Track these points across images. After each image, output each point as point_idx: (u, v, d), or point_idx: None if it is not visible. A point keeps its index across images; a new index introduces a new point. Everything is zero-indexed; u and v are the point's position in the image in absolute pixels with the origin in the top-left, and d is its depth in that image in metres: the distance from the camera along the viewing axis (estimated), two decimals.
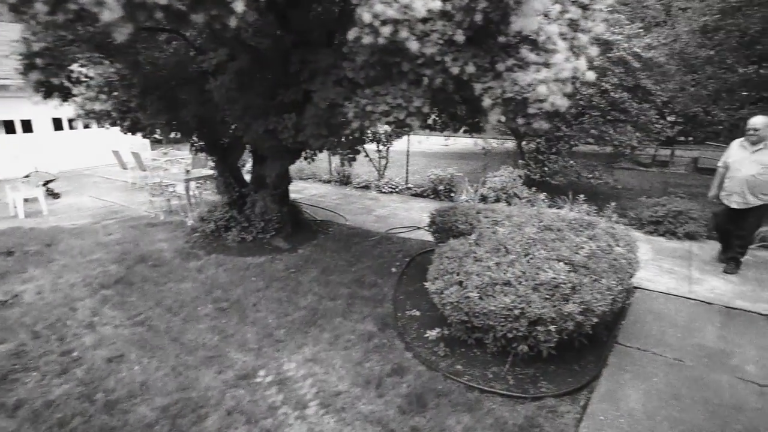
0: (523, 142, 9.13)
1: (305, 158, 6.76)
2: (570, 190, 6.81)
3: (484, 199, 8.26)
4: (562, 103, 2.89)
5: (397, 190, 10.32)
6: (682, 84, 7.91)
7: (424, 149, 17.36)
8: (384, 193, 10.30)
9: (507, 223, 4.48)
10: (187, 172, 8.87)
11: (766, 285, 5.09)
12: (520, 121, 2.94)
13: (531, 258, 3.66)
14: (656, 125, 7.50)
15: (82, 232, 7.11)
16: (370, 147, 10.90)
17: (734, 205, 5.15)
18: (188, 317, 4.40)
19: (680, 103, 8.29)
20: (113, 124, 5.36)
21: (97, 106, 4.87)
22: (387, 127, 10.06)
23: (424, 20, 2.50)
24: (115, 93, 4.76)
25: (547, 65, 2.82)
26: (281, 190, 6.53)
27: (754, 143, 4.95)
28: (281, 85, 3.95)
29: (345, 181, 11.36)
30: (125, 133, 5.59)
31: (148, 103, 4.56)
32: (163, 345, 3.96)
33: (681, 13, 8.71)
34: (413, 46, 2.52)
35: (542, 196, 7.57)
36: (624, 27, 7.28)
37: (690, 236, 6.58)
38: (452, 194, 9.28)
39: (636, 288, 5.04)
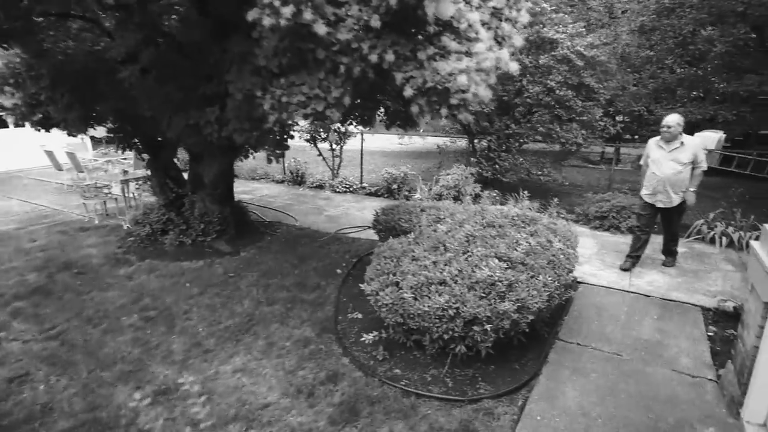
0: (476, 141, 9.13)
1: (244, 156, 6.45)
2: (521, 187, 6.82)
3: (438, 197, 8.20)
4: (485, 94, 2.79)
5: (351, 189, 10.14)
6: (623, 83, 8.16)
7: (382, 148, 17.27)
8: (338, 192, 10.08)
9: (449, 220, 4.38)
10: (125, 172, 8.33)
11: (702, 276, 5.24)
12: (444, 111, 2.81)
13: (469, 256, 3.56)
14: (600, 123, 7.68)
15: (3, 239, 6.50)
16: (324, 146, 10.70)
17: (660, 204, 5.12)
18: (109, 328, 4.04)
19: (622, 101, 8.57)
20: (23, 119, 4.88)
21: (5, 101, 4.40)
22: (338, 127, 9.87)
23: (337, 3, 2.32)
24: (24, 85, 4.30)
25: (468, 54, 2.71)
26: (222, 190, 6.20)
27: (669, 141, 4.94)
28: (203, 76, 3.67)
29: (299, 181, 11.07)
30: (37, 130, 5.11)
31: (58, 96, 4.15)
32: (77, 360, 3.60)
33: (622, 15, 9.00)
34: (321, 30, 2.33)
35: (489, 193, 7.57)
36: (567, 26, 7.39)
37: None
38: (407, 193, 9.18)
39: (579, 282, 5.08)
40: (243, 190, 10.34)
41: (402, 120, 4.70)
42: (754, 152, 10.37)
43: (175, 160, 6.94)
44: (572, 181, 9.62)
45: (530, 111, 8.03)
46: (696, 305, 4.53)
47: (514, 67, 2.90)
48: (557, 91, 7.33)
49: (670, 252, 5.56)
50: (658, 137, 5.13)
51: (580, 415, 3.02)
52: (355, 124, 6.21)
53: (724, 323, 4.17)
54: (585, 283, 5.07)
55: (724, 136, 11.37)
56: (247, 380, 3.38)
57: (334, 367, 3.54)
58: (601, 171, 11.59)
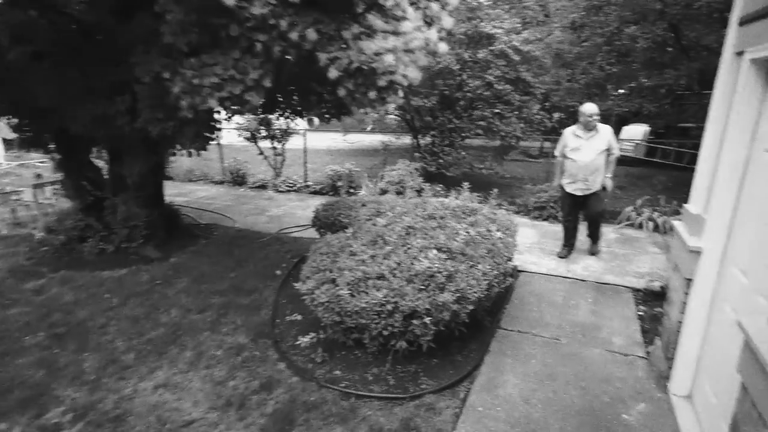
0: (419, 136, 9.13)
1: (172, 153, 6.02)
2: (464, 181, 6.86)
3: (383, 193, 8.10)
4: (415, 76, 2.68)
5: (295, 188, 9.83)
6: (558, 78, 8.49)
7: (328, 147, 16.99)
8: (281, 192, 9.74)
9: (390, 213, 4.26)
10: (38, 176, 7.55)
11: (632, 260, 5.48)
12: (372, 94, 2.68)
13: (409, 248, 3.45)
14: (537, 116, 7.91)
15: None
16: (265, 145, 10.30)
17: (579, 193, 5.16)
18: (8, 351, 3.56)
19: (558, 96, 8.92)
20: None
21: None
22: (281, 121, 9.53)
23: None
24: None
25: (396, 34, 2.60)
26: (149, 192, 5.73)
27: (589, 129, 5.01)
28: (111, 61, 3.30)
29: (239, 181, 10.60)
30: None
31: None
32: None
33: (555, 12, 9.36)
34: (229, 0, 2.11)
35: (433, 187, 7.57)
36: (504, 21, 7.54)
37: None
38: (352, 190, 9.02)
39: (521, 271, 5.14)
40: (178, 192, 9.73)
41: (335, 108, 4.47)
42: (675, 144, 11.18)
43: (99, 159, 6.36)
44: (514, 175, 9.87)
45: (471, 105, 8.12)
46: (627, 287, 4.71)
47: (443, 48, 2.82)
48: (496, 86, 7.45)
49: (593, 238, 5.62)
50: (573, 127, 5.19)
51: (521, 402, 2.99)
52: (287, 114, 5.93)
53: (652, 302, 4.35)
54: (526, 271, 5.14)
55: (649, 129, 12.19)
56: (170, 396, 3.07)
57: (269, 373, 3.30)
58: (540, 164, 12.00)
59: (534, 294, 4.58)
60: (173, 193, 9.50)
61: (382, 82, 2.58)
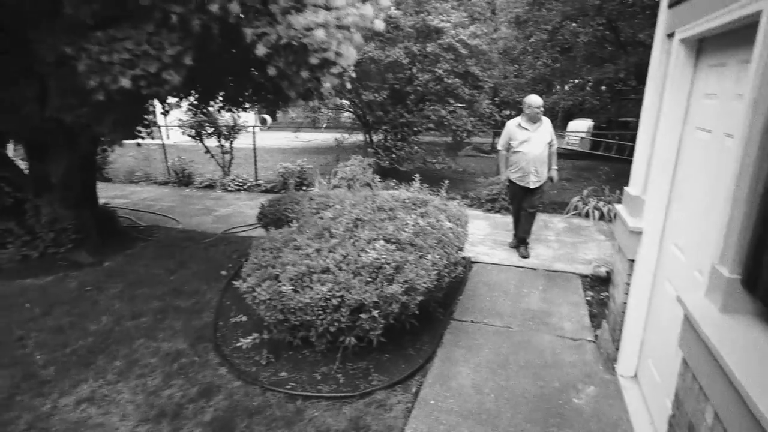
0: (372, 132, 9.02)
1: (105, 149, 5.59)
2: (418, 176, 6.83)
3: (336, 189, 7.94)
4: (350, 54, 2.56)
5: (245, 187, 9.47)
6: (505, 72, 8.65)
7: (282, 146, 16.58)
8: (230, 191, 9.35)
9: (338, 206, 4.11)
10: None
11: (579, 247, 5.61)
12: (305, 74, 2.52)
13: (356, 240, 3.31)
14: (486, 110, 8.01)
15: None
16: (212, 143, 9.85)
17: (532, 185, 5.08)
18: None
19: (506, 90, 9.10)
20: None
21: None
22: (228, 117, 9.15)
23: None
24: None
25: (327, 8, 2.46)
26: (77, 192, 5.27)
27: (535, 122, 4.99)
28: (16, 41, 2.94)
29: (185, 181, 10.08)
30: None
31: None
32: None
33: (501, 12, 9.55)
34: None
35: (387, 182, 7.49)
36: (451, 15, 7.56)
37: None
38: (304, 188, 8.77)
39: (474, 262, 5.14)
40: (117, 194, 9.14)
41: (271, 95, 4.20)
42: (617, 137, 11.71)
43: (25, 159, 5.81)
44: (466, 169, 9.96)
45: (422, 99, 8.09)
46: (576, 273, 4.80)
47: (380, 26, 2.71)
48: (446, 79, 7.46)
49: (524, 239, 5.43)
50: (517, 119, 5.14)
51: (473, 393, 2.93)
52: (227, 107, 5.64)
53: (599, 287, 4.45)
54: (479, 262, 5.14)
55: (593, 123, 12.71)
56: (95, 411, 2.77)
57: (209, 379, 3.07)
58: (492, 159, 12.22)
59: (487, 284, 4.57)
60: (112, 195, 8.94)
61: (314, 59, 2.42)
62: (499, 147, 5.37)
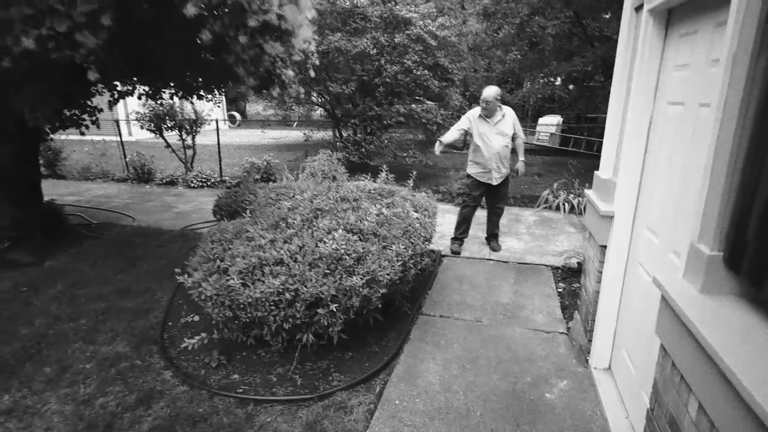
0: (341, 126, 8.77)
1: (45, 139, 5.16)
2: (385, 166, 6.63)
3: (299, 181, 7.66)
4: (294, 17, 2.33)
5: (209, 183, 9.05)
6: (475, 65, 8.57)
7: (253, 143, 16.10)
8: (193, 187, 8.92)
9: (298, 197, 3.85)
10: None
11: (550, 240, 5.53)
12: (243, 39, 2.26)
13: (315, 230, 3.07)
14: (456, 102, 7.89)
15: None
16: (175, 139, 9.40)
17: (495, 182, 4.81)
18: None
19: (476, 84, 9.04)
20: None
21: None
22: (189, 110, 8.74)
23: None
24: None
25: None
26: (19, 188, 4.83)
27: (488, 116, 4.66)
28: None
29: (145, 178, 9.57)
30: None
31: None
32: None
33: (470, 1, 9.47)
34: None
35: (353, 176, 7.27)
36: (419, 5, 7.40)
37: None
38: (271, 182, 8.44)
39: (444, 256, 4.97)
40: (71, 191, 8.61)
41: (218, 73, 3.81)
42: (585, 133, 11.85)
43: None
44: (438, 164, 9.83)
45: (392, 92, 7.90)
46: (547, 265, 4.70)
47: None
48: (414, 71, 7.28)
49: (495, 234, 5.23)
50: (476, 110, 4.77)
51: (441, 390, 2.74)
52: (180, 93, 5.29)
53: (570, 279, 4.35)
54: (449, 255, 4.98)
55: (562, 119, 12.83)
56: (16, 425, 2.44)
57: (150, 385, 2.77)
58: (465, 154, 12.17)
59: (457, 278, 4.41)
60: (64, 192, 8.43)
61: (252, 22, 2.16)
62: (443, 138, 4.75)
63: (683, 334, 1.42)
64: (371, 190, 4.20)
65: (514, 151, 4.93)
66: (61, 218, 5.92)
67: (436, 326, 3.51)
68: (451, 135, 4.76)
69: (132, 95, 5.49)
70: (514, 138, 4.83)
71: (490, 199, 5.06)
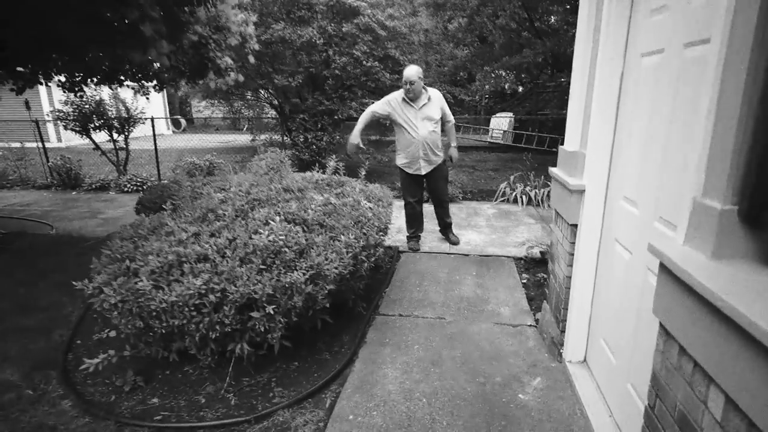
0: (289, 122, 8.28)
1: None
2: (334, 156, 6.23)
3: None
4: None
5: (144, 187, 8.25)
6: (426, 58, 8.40)
7: (203, 146, 15.19)
8: (126, 192, 8.13)
9: (234, 189, 3.38)
10: None
11: (510, 231, 5.33)
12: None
13: (251, 221, 2.63)
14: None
15: None
16: (102, 139, 8.55)
17: (423, 171, 4.40)
18: None
19: (429, 79, 8.87)
20: None
21: None
22: (120, 107, 7.96)
23: None
24: None
25: None
26: None
27: (413, 99, 4.22)
28: None
29: (72, 183, 8.65)
30: None
31: None
32: None
33: None
34: None
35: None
36: None
37: (450, 199, 6.73)
38: None
39: (402, 252, 4.63)
40: None
41: (124, 40, 3.20)
42: (537, 129, 11.98)
43: None
44: (394, 162, 9.55)
45: (342, 85, 7.52)
46: (509, 257, 4.46)
47: None
48: (365, 62, 6.95)
49: (447, 225, 4.88)
50: (399, 93, 4.29)
51: (402, 399, 2.36)
52: (96, 79, 4.68)
53: (534, 269, 4.13)
54: (407, 252, 4.64)
55: (514, 117, 12.95)
56: None
57: (42, 419, 2.22)
58: None
59: (416, 273, 4.07)
60: None
61: None
62: (370, 108, 4.37)
63: (697, 310, 1.12)
64: (319, 180, 3.80)
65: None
66: None
67: (395, 326, 3.14)
68: (360, 125, 4.30)
69: (41, 83, 4.79)
70: (443, 122, 4.46)
71: (430, 190, 4.67)
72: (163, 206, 3.55)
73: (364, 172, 4.25)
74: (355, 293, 3.09)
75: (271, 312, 2.18)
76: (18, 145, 9.80)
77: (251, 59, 4.92)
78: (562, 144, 2.70)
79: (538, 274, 3.97)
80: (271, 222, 2.50)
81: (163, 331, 2.17)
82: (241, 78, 5.01)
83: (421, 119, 4.27)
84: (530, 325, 3.10)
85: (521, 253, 4.47)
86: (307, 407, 2.33)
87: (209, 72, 4.65)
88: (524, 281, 3.88)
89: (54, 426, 2.17)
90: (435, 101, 4.35)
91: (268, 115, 11.56)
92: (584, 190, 2.33)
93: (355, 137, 4.29)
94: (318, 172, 4.28)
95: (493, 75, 11.53)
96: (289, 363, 2.67)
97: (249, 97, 9.43)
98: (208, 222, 2.63)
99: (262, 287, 2.15)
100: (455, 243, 4.83)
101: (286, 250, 2.36)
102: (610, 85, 2.17)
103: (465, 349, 2.84)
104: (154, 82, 4.85)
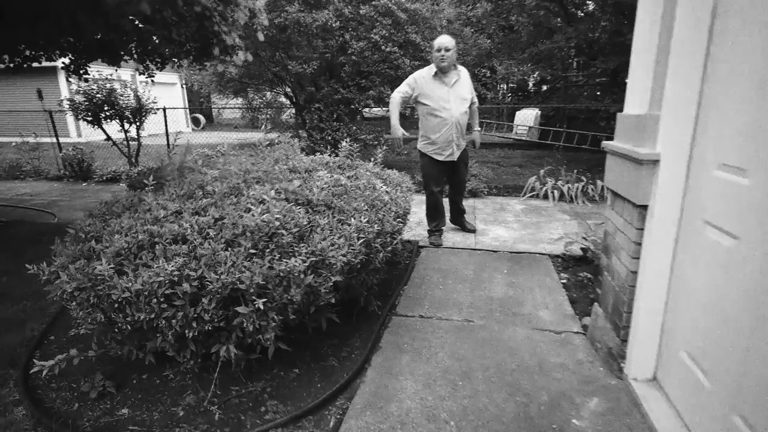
0: (304, 112, 7.91)
1: None
2: (347, 138, 5.82)
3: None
4: None
5: None
6: None
7: (217, 142, 15.02)
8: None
9: (234, 169, 2.98)
10: None
11: (543, 227, 4.80)
12: None
13: (245, 198, 2.21)
14: None
15: None
16: (118, 135, 8.35)
17: (452, 158, 3.98)
18: None
19: None
20: None
21: None
22: (129, 94, 7.71)
23: None
24: None
25: None
26: None
27: (447, 72, 3.77)
28: None
29: (83, 175, 8.48)
30: None
31: None
32: None
33: None
34: None
35: None
36: None
37: (473, 193, 6.26)
38: None
39: (422, 247, 4.16)
40: None
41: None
42: (565, 125, 11.35)
43: None
44: (413, 156, 9.08)
45: (360, 72, 7.11)
46: (543, 254, 3.94)
47: None
48: (383, 47, 6.51)
49: (462, 212, 4.51)
50: (429, 69, 3.86)
51: (424, 421, 1.90)
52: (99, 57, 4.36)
53: (574, 268, 3.61)
54: (428, 246, 4.17)
55: (540, 113, 12.33)
56: None
57: None
58: None
59: (439, 270, 3.60)
60: None
61: None
62: (397, 93, 3.92)
63: None
64: (330, 162, 3.38)
65: None
66: None
67: (414, 329, 2.67)
68: (395, 114, 3.89)
69: (39, 61, 4.50)
70: (470, 103, 4.00)
71: (454, 178, 4.22)
72: (145, 182, 3.17)
73: (380, 155, 3.79)
74: (368, 289, 2.63)
75: (261, 307, 1.74)
76: (35, 138, 9.75)
77: (260, 36, 4.53)
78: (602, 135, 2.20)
79: (579, 273, 3.45)
80: (265, 197, 2.07)
81: (129, 327, 1.75)
82: (250, 57, 4.63)
83: (455, 98, 3.84)
84: (577, 332, 2.60)
85: (558, 250, 3.95)
86: (306, 426, 1.89)
87: (215, 49, 4.28)
88: (563, 281, 3.36)
89: None
90: (465, 79, 3.96)
91: (284, 106, 11.23)
92: (658, 161, 1.83)
93: (396, 129, 3.91)
94: (329, 153, 3.86)
95: (517, 69, 10.97)
96: (288, 370, 2.23)
97: (262, 87, 9.10)
98: (195, 199, 2.22)
99: (250, 276, 1.71)
100: (473, 230, 4.48)
101: (283, 232, 1.93)
102: (698, 19, 1.67)
103: (499, 358, 2.36)
104: (156, 58, 4.50)
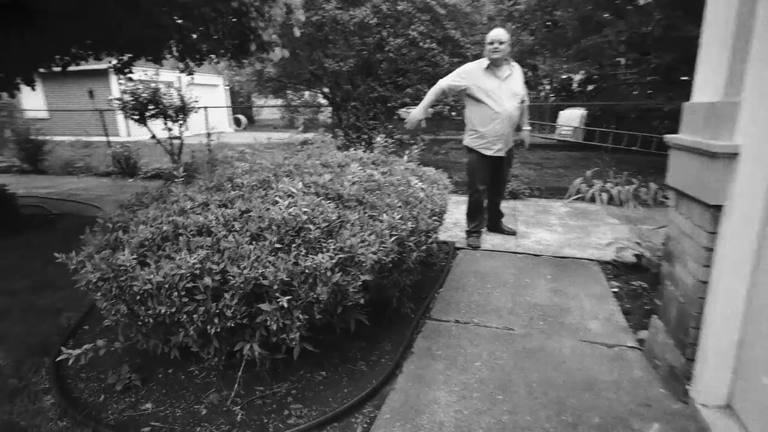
0: (341, 111, 7.88)
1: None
2: (383, 132, 5.71)
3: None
4: None
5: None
6: None
7: (253, 142, 15.36)
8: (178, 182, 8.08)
9: (265, 163, 2.92)
10: None
11: (590, 231, 4.49)
12: None
13: (273, 192, 2.12)
14: None
15: None
16: (158, 130, 8.64)
17: (501, 153, 3.82)
18: None
19: None
20: None
21: None
22: (173, 94, 7.93)
23: None
24: None
25: None
26: None
27: (500, 65, 3.64)
28: None
29: (130, 172, 8.82)
30: None
31: None
32: None
33: None
34: None
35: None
36: None
37: (514, 195, 6.00)
38: None
39: (459, 248, 3.98)
40: (47, 185, 8.02)
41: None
42: (613, 126, 10.77)
43: None
44: (451, 157, 8.88)
45: (396, 70, 6.99)
46: (592, 260, 3.66)
47: None
48: (421, 44, 6.36)
49: (501, 216, 4.34)
50: (480, 62, 3.72)
51: None
52: (113, 57, 4.46)
53: (626, 276, 3.31)
54: (465, 248, 3.98)
55: (586, 112, 11.78)
56: None
57: (12, 417, 1.82)
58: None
59: (477, 273, 3.40)
60: (39, 185, 7.81)
61: None
62: (441, 81, 3.82)
63: None
64: (364, 158, 3.26)
65: None
66: (9, 206, 5.11)
67: (450, 335, 2.50)
68: (427, 99, 3.78)
69: (86, 59, 4.66)
70: (522, 99, 3.84)
71: (497, 177, 4.02)
72: (175, 173, 3.16)
73: (416, 150, 3.64)
74: (400, 290, 2.49)
75: (286, 305, 1.63)
76: (91, 137, 10.27)
77: (296, 32, 4.49)
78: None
79: (633, 282, 3.16)
80: (293, 190, 1.97)
81: (152, 321, 1.69)
82: (286, 54, 4.61)
83: (507, 93, 3.68)
84: (632, 347, 2.34)
85: (607, 256, 3.65)
86: None
87: (252, 45, 4.28)
88: (615, 290, 3.09)
89: (24, 428, 1.77)
90: (518, 75, 3.82)
91: (321, 105, 11.27)
92: (737, 153, 1.59)
93: (419, 111, 3.78)
94: (363, 149, 3.75)
95: (561, 67, 10.50)
96: (314, 372, 2.12)
97: (300, 87, 9.16)
98: (223, 191, 2.15)
99: (274, 271, 1.61)
100: (513, 233, 4.27)
101: (311, 227, 1.82)
102: None
103: (543, 371, 2.15)
104: (195, 55, 4.55)
